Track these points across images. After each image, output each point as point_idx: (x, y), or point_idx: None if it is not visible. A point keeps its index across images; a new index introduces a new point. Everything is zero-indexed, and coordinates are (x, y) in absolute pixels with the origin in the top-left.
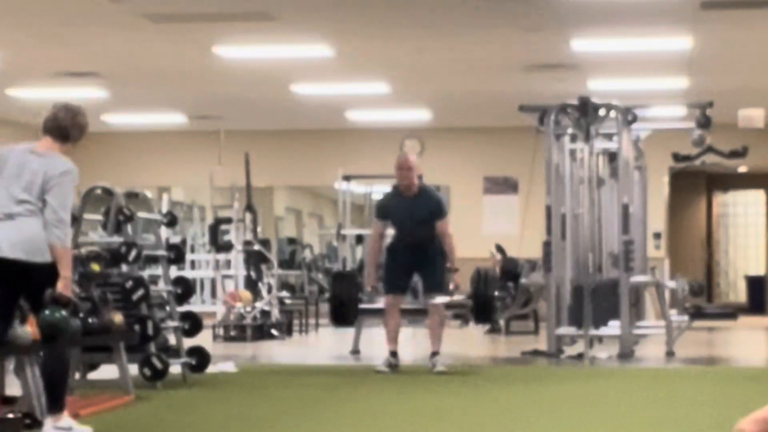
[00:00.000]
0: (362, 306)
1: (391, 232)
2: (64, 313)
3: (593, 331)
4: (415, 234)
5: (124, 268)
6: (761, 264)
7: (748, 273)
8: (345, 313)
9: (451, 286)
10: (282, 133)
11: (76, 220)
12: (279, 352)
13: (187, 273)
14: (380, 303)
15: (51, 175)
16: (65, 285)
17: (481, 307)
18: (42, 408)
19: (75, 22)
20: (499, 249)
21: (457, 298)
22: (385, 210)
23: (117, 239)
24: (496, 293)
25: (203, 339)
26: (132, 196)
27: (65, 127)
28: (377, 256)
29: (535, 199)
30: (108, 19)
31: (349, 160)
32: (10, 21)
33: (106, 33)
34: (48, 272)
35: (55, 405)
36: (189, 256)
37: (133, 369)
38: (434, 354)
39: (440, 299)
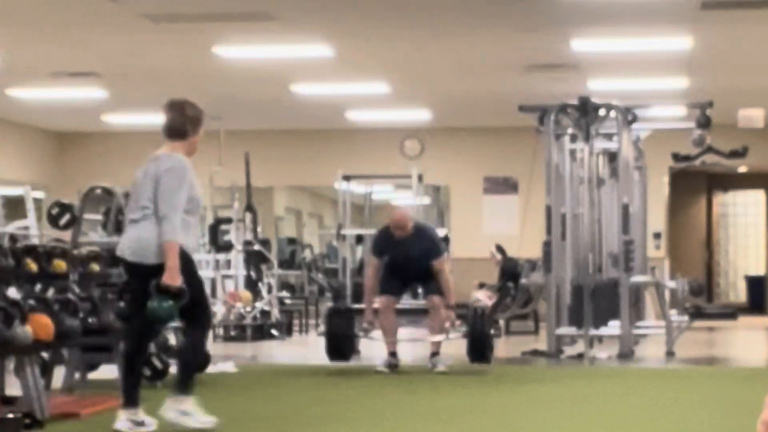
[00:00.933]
0: (360, 306)
1: None
2: (170, 302)
3: (593, 331)
4: (410, 271)
5: None
6: (761, 264)
7: (748, 273)
8: (341, 348)
9: (447, 325)
10: (282, 133)
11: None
12: (279, 352)
13: None
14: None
15: (158, 175)
16: (170, 275)
17: (476, 346)
18: (42, 408)
19: (75, 22)
20: (499, 249)
21: (453, 336)
22: (380, 249)
23: (117, 239)
24: (492, 332)
25: None
26: None
27: (178, 126)
28: (373, 292)
29: (535, 199)
30: (108, 19)
31: (349, 160)
32: (10, 21)
33: (106, 33)
34: (156, 272)
35: (181, 388)
36: None
37: None
38: (434, 354)
39: (437, 338)
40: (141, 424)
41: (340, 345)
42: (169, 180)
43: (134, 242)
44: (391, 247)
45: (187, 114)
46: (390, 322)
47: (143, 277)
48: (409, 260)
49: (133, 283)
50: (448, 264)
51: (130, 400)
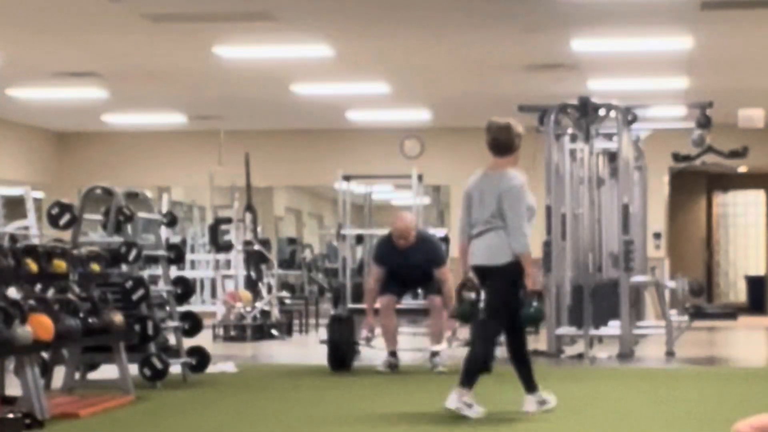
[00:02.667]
0: (360, 306)
1: None
2: (536, 304)
3: (593, 331)
4: (412, 278)
5: (124, 268)
6: (761, 264)
7: (748, 273)
8: (342, 357)
9: (448, 334)
10: (282, 133)
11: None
12: (279, 352)
13: (187, 273)
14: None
15: (500, 192)
16: (532, 281)
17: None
18: (42, 408)
19: (75, 22)
20: None
21: (456, 344)
22: (382, 258)
23: (117, 239)
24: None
25: (203, 339)
26: (132, 196)
27: (509, 143)
28: (374, 300)
29: (535, 199)
30: (108, 19)
31: (349, 160)
32: (11, 21)
33: (106, 33)
34: (502, 272)
35: (530, 384)
36: (189, 256)
37: (133, 369)
38: (434, 354)
39: (437, 347)
40: (470, 406)
41: (342, 354)
42: (513, 197)
43: (487, 249)
44: (394, 257)
45: (514, 132)
46: (390, 322)
47: (495, 275)
48: (411, 269)
49: (486, 283)
50: (450, 272)
51: (468, 382)
